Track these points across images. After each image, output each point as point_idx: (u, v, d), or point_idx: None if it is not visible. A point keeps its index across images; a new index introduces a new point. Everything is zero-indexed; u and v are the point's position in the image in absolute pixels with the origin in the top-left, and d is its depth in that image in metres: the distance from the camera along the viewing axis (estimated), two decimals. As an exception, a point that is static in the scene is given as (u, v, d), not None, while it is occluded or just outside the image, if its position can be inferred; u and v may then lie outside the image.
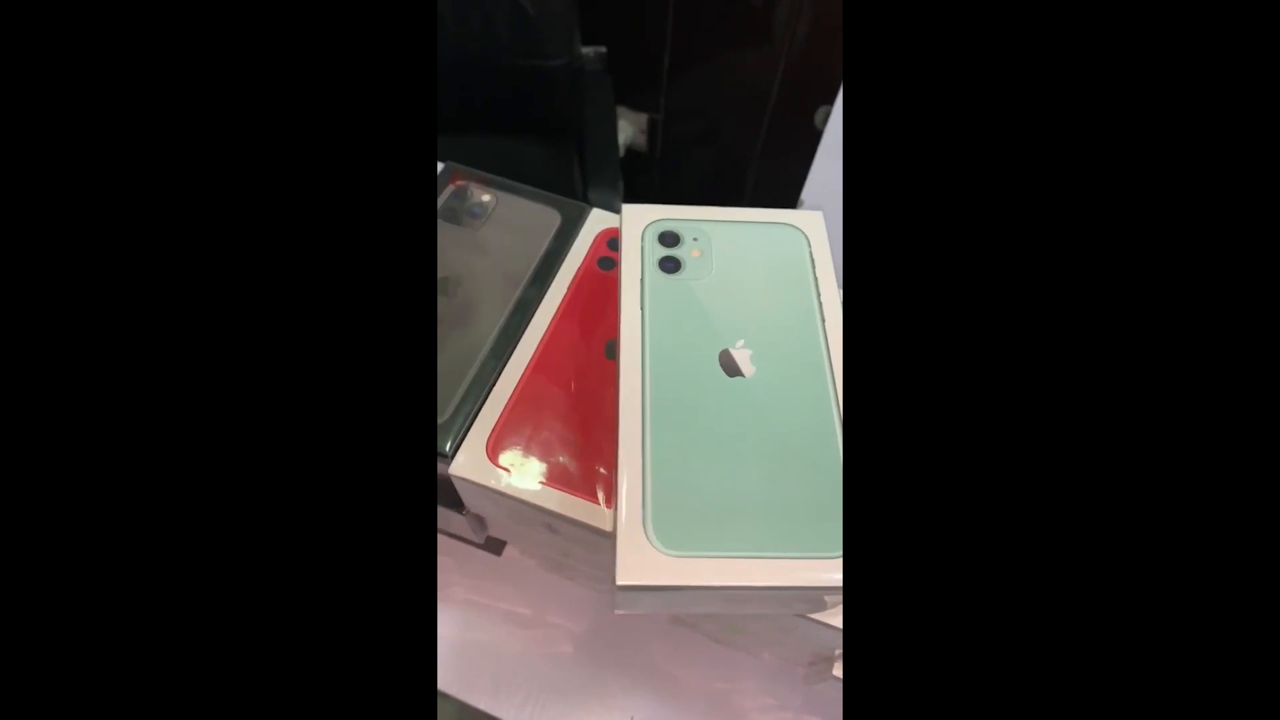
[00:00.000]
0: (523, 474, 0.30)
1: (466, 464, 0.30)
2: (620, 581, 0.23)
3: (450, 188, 0.40)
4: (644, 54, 1.07)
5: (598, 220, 0.38)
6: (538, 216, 0.38)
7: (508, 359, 0.33)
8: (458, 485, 0.31)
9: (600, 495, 0.30)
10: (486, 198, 0.39)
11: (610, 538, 0.29)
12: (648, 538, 0.23)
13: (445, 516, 0.37)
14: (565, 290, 0.36)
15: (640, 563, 0.23)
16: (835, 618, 0.28)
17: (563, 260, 0.37)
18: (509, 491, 0.30)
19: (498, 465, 0.30)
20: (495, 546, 0.42)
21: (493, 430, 0.31)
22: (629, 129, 1.14)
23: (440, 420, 0.31)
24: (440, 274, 0.36)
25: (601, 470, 0.30)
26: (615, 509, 0.25)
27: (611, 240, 0.38)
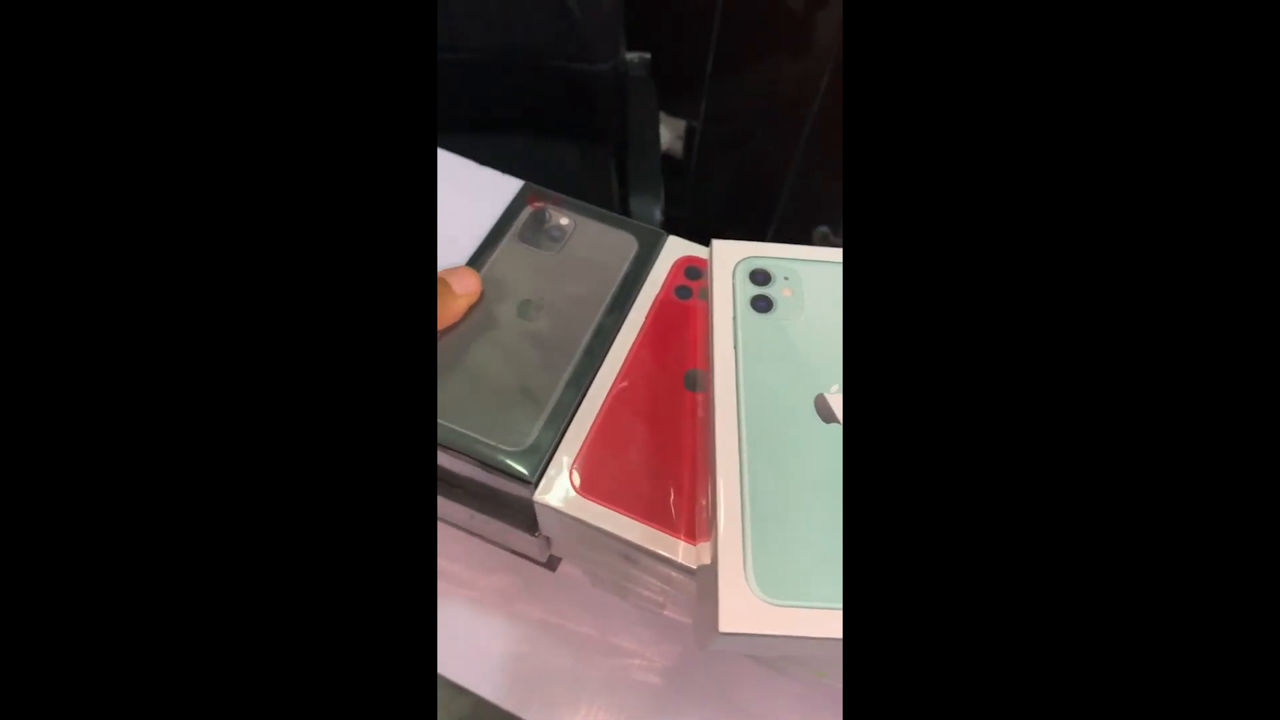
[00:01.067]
0: (607, 505, 0.30)
1: (553, 493, 0.31)
2: (724, 629, 0.23)
3: (528, 209, 0.40)
4: (687, 61, 1.07)
5: (674, 248, 0.39)
6: (615, 241, 0.39)
7: (588, 386, 0.34)
8: (540, 511, 0.32)
9: (672, 523, 0.30)
10: (565, 221, 0.39)
11: (696, 575, 0.30)
12: (749, 585, 0.24)
13: (508, 532, 0.37)
14: (643, 318, 0.36)
15: (742, 610, 0.23)
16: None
17: (640, 288, 0.37)
18: (595, 523, 0.30)
19: (582, 495, 0.31)
20: (551, 562, 0.42)
21: (576, 459, 0.32)
22: (667, 135, 1.14)
23: (523, 446, 0.32)
24: (521, 296, 0.36)
25: (674, 499, 0.31)
26: (714, 554, 0.25)
27: (689, 269, 0.38)
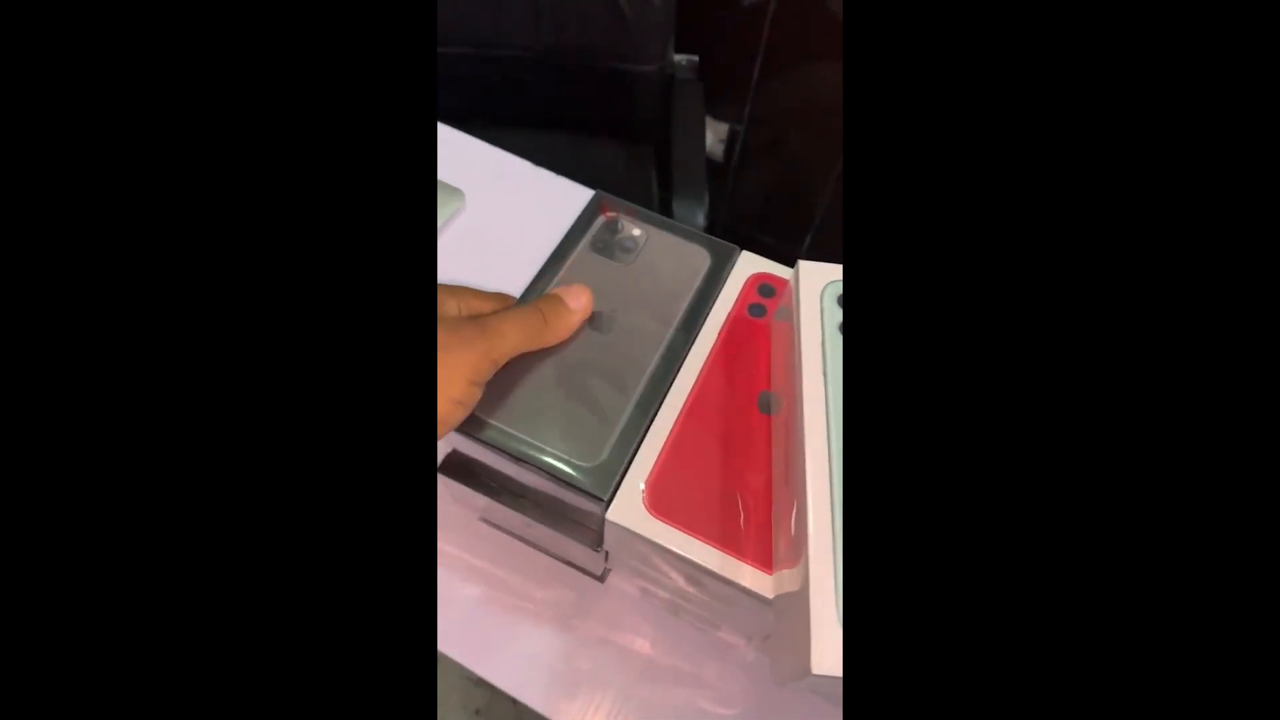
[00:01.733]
0: (678, 526, 0.30)
1: (625, 513, 0.30)
2: (816, 671, 0.22)
3: (601, 219, 0.39)
4: (734, 64, 1.05)
5: (748, 264, 0.38)
6: (688, 255, 0.38)
7: (660, 404, 0.33)
8: (608, 528, 0.31)
9: (741, 548, 0.29)
10: (637, 232, 0.39)
11: (774, 605, 0.29)
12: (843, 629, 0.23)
13: (566, 544, 0.37)
14: (715, 336, 0.35)
15: (836, 655, 0.23)
16: None
17: (712, 303, 0.36)
18: (666, 544, 0.29)
19: (653, 515, 0.30)
20: (602, 573, 0.42)
21: (648, 479, 0.31)
22: (709, 137, 1.13)
23: (594, 462, 0.31)
24: (595, 308, 0.35)
25: (744, 523, 0.30)
26: (804, 585, 0.24)
27: (763, 286, 0.37)
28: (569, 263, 0.37)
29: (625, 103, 0.98)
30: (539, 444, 0.32)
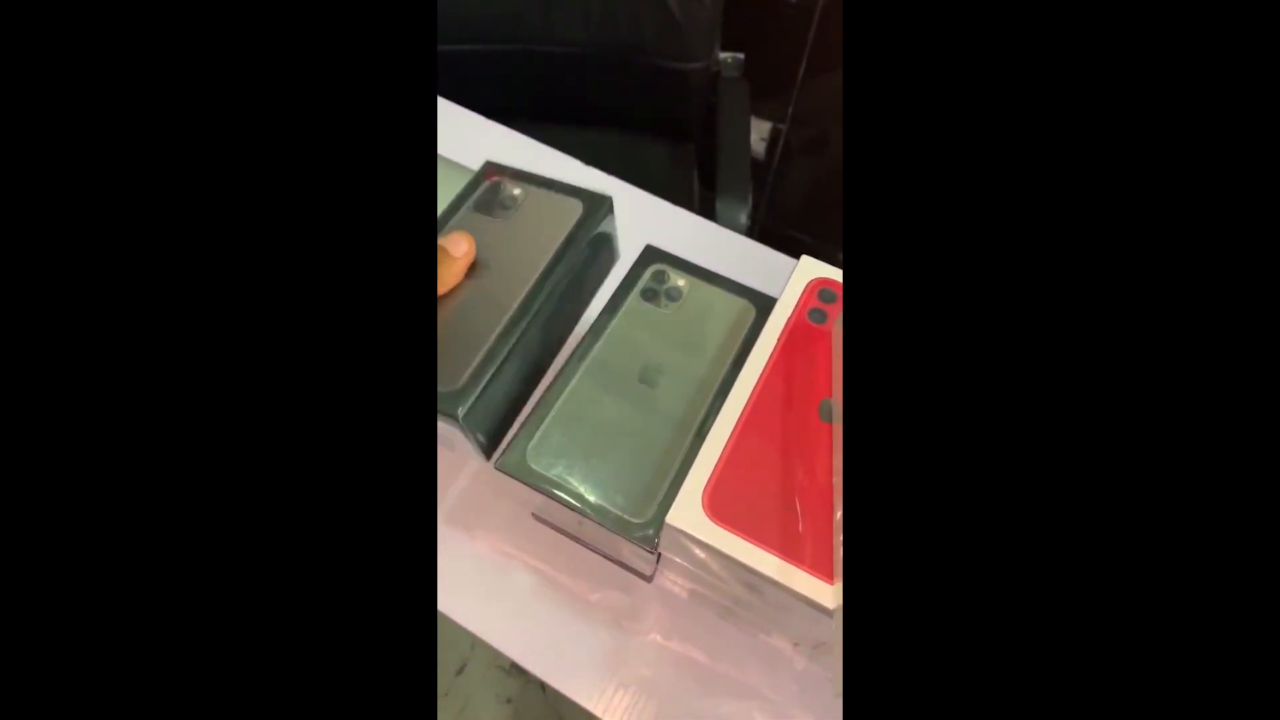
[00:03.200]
0: (737, 533, 0.30)
1: (684, 517, 0.30)
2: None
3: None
4: (779, 62, 1.05)
5: (809, 269, 0.38)
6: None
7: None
8: (666, 532, 0.31)
9: (800, 556, 0.29)
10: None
11: (834, 616, 0.29)
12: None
13: (619, 544, 0.37)
14: (775, 341, 0.35)
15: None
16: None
17: (770, 309, 0.36)
18: (726, 550, 0.30)
19: (714, 521, 0.30)
20: (646, 575, 0.42)
21: (707, 484, 0.31)
22: (752, 136, 1.13)
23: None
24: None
25: (802, 531, 0.30)
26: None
27: (823, 291, 0.37)
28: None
29: (671, 100, 0.98)
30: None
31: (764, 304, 0.39)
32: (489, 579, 0.42)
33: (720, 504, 0.30)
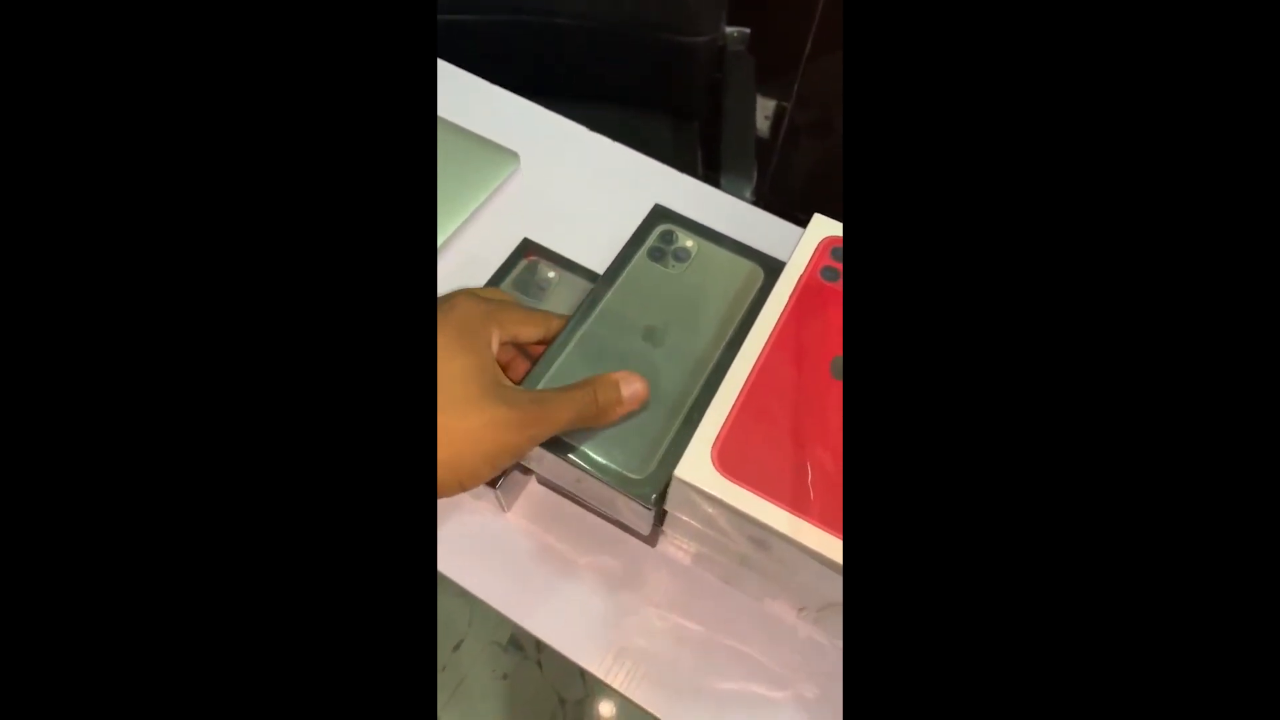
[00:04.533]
0: (747, 487, 0.29)
1: (693, 471, 0.30)
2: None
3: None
4: (785, 40, 1.03)
5: (820, 227, 0.37)
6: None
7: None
8: (674, 486, 0.31)
9: (810, 511, 0.29)
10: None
11: (840, 571, 0.28)
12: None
13: (617, 499, 0.36)
14: (787, 299, 0.34)
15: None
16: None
17: (779, 273, 0.36)
18: (735, 504, 0.29)
19: (724, 475, 0.30)
20: (652, 536, 0.42)
21: (717, 439, 0.31)
22: (756, 113, 1.12)
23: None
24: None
25: (812, 487, 0.29)
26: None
27: (835, 249, 0.36)
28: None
29: (676, 75, 0.97)
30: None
31: (773, 267, 0.38)
32: (490, 542, 0.42)
33: (730, 459, 0.30)
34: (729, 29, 0.98)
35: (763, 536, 0.30)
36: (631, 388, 0.33)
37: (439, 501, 0.37)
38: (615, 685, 0.39)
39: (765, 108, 1.12)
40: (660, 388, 0.35)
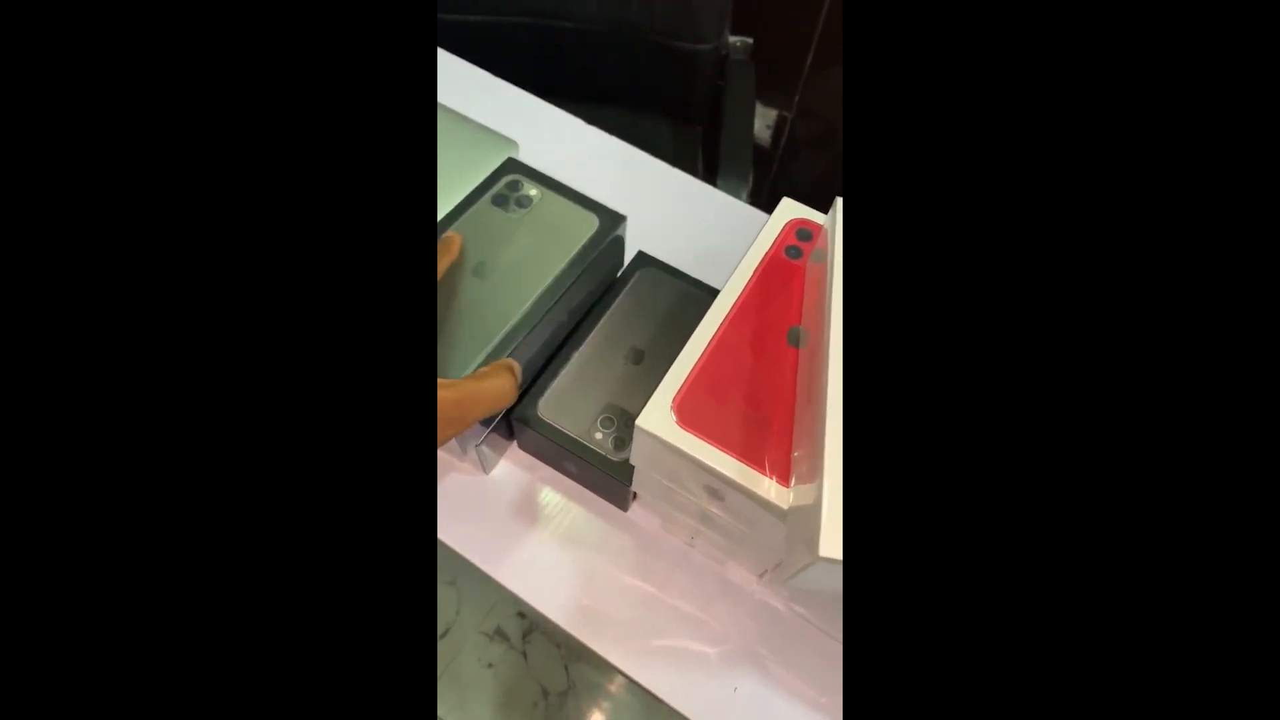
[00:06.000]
0: (703, 438, 0.32)
1: (653, 421, 0.32)
2: (824, 554, 0.24)
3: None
4: (787, 50, 1.06)
5: (787, 209, 0.39)
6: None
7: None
8: (637, 437, 0.33)
9: (763, 463, 0.31)
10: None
11: (788, 517, 0.31)
12: (852, 518, 0.25)
13: (588, 472, 0.39)
14: (751, 273, 0.37)
15: (840, 545, 0.24)
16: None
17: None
18: (690, 452, 0.31)
19: (683, 428, 0.32)
20: (622, 501, 0.44)
21: (677, 395, 0.33)
22: (756, 123, 1.14)
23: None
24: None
25: (767, 442, 0.32)
26: (818, 494, 0.26)
27: (801, 230, 0.38)
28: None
29: (679, 80, 0.99)
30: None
31: (609, 217, 0.43)
32: (469, 500, 0.44)
33: (689, 413, 0.32)
34: (732, 38, 1.01)
35: (717, 485, 0.32)
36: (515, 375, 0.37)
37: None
38: (573, 632, 0.42)
39: (767, 117, 1.15)
40: (481, 314, 0.39)
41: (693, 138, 1.04)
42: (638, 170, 0.61)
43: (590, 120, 0.63)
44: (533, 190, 0.44)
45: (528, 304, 0.39)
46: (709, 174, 1.00)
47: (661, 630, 0.41)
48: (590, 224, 0.42)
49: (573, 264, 0.41)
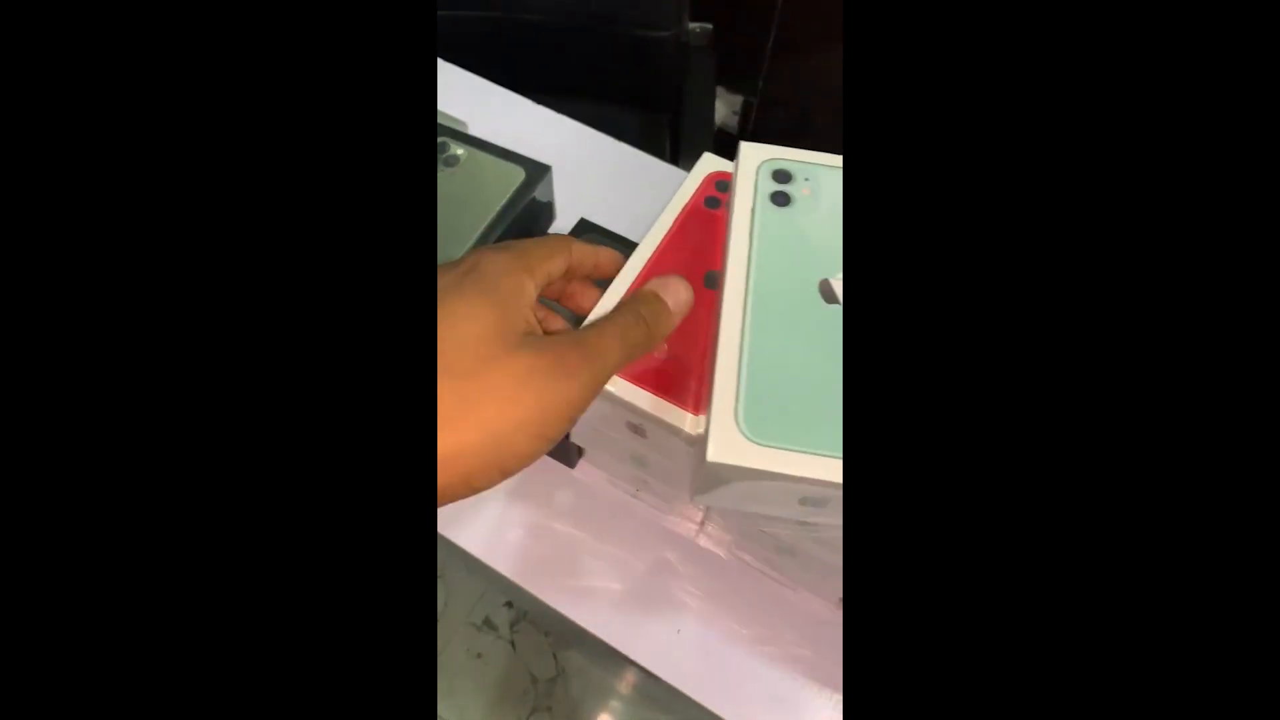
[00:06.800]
0: (625, 378, 0.33)
1: (571, 359, 0.33)
2: (710, 459, 0.25)
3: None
4: (748, 36, 1.08)
5: (708, 162, 0.41)
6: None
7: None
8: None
9: (684, 400, 0.32)
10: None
11: (696, 444, 0.32)
12: (738, 425, 0.26)
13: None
14: (671, 223, 0.38)
15: (729, 444, 0.26)
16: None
17: (672, 196, 0.39)
18: (613, 390, 0.33)
19: (599, 365, 0.33)
20: (569, 459, 0.45)
21: (596, 334, 0.34)
22: (723, 109, 1.16)
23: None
24: None
25: (688, 381, 0.33)
26: (709, 403, 0.27)
27: (720, 182, 0.40)
28: None
29: (641, 69, 1.01)
30: None
31: (534, 169, 0.45)
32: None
33: (606, 352, 0.34)
34: (692, 25, 1.03)
35: (637, 421, 0.34)
36: (675, 294, 0.29)
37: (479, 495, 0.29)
38: (523, 584, 0.43)
39: (733, 103, 1.17)
40: None
41: (659, 126, 1.06)
42: (601, 152, 0.62)
43: (559, 109, 0.65)
44: (459, 150, 0.46)
45: (462, 253, 0.41)
46: (675, 161, 1.02)
47: (602, 575, 0.43)
48: (516, 175, 0.44)
49: (501, 214, 0.43)
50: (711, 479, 0.27)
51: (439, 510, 0.22)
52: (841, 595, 0.41)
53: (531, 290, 0.27)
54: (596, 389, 0.25)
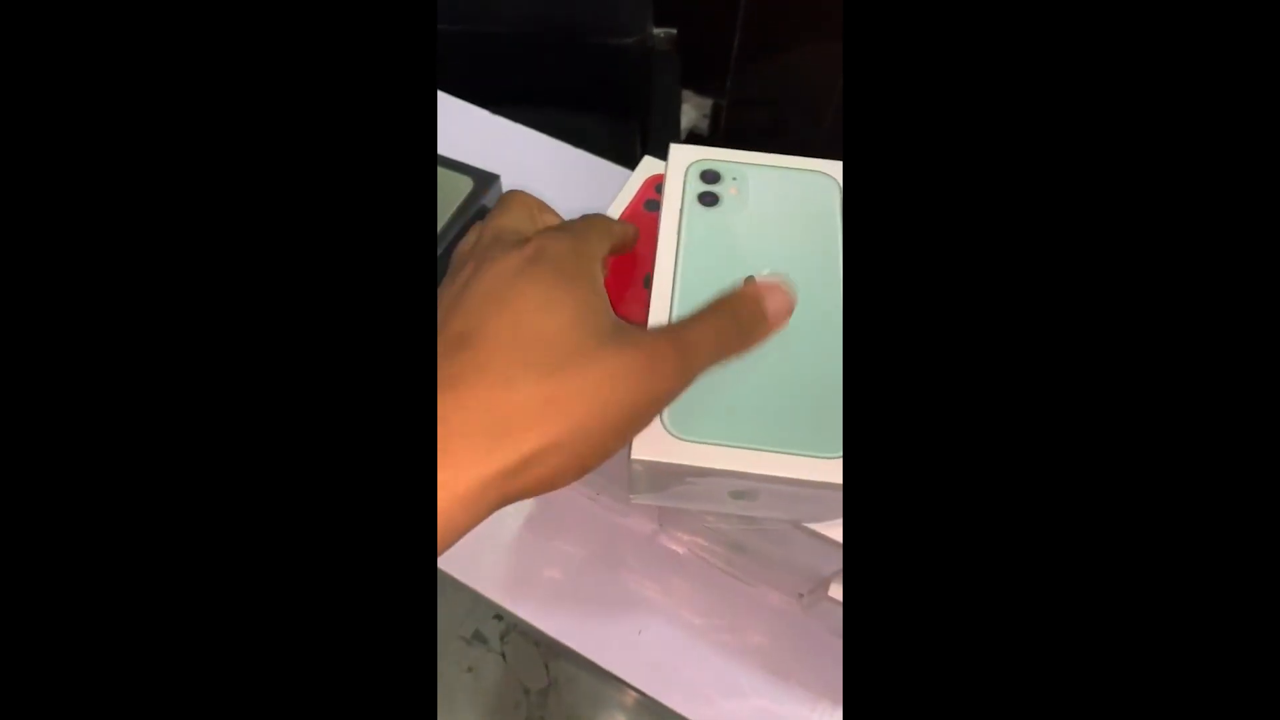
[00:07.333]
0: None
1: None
2: (634, 456, 0.26)
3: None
4: (713, 38, 1.09)
5: (649, 166, 0.41)
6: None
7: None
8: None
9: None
10: None
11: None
12: (662, 423, 0.26)
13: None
14: (613, 226, 0.39)
15: (653, 442, 0.26)
16: (834, 530, 0.30)
17: (612, 201, 0.40)
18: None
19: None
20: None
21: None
22: (692, 112, 1.17)
23: None
24: None
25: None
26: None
27: (659, 185, 0.40)
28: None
29: (608, 77, 1.02)
30: None
31: (482, 179, 0.46)
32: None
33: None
34: (656, 30, 1.04)
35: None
36: (775, 301, 0.26)
37: (558, 492, 0.27)
38: (479, 589, 0.43)
39: (703, 107, 1.18)
40: None
41: (629, 133, 1.07)
42: (543, 155, 0.63)
43: (527, 122, 0.65)
44: None
45: None
46: (647, 165, 1.02)
47: (563, 578, 0.43)
48: (464, 185, 0.45)
49: (449, 224, 0.43)
50: (641, 477, 0.27)
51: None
52: (800, 591, 0.41)
53: (600, 275, 0.25)
54: (682, 391, 0.24)
